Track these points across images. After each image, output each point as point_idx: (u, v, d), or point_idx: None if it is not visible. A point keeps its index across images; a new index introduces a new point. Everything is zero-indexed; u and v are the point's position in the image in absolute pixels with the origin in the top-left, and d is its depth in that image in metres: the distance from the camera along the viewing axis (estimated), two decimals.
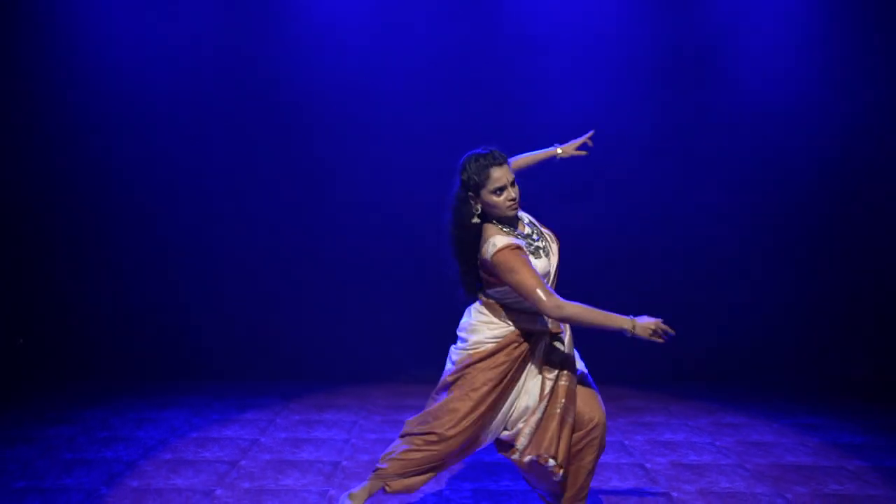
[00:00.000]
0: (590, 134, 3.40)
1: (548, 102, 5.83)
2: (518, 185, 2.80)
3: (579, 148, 3.37)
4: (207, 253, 5.89)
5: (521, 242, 2.74)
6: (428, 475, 2.87)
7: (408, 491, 2.88)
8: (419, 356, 5.75)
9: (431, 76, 5.82)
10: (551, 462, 2.68)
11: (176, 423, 4.66)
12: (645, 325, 2.57)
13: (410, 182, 5.78)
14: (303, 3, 5.74)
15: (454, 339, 2.98)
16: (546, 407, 2.74)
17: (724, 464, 4.01)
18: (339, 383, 5.66)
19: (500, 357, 2.77)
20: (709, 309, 5.92)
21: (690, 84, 5.87)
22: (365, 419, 4.81)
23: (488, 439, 2.87)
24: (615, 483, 3.70)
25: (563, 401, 2.74)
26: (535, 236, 2.86)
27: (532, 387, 2.80)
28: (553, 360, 2.82)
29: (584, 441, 2.80)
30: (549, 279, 2.85)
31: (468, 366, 2.80)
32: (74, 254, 5.92)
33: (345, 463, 3.97)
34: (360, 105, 5.80)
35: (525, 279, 2.62)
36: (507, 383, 2.77)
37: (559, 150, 3.36)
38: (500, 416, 2.80)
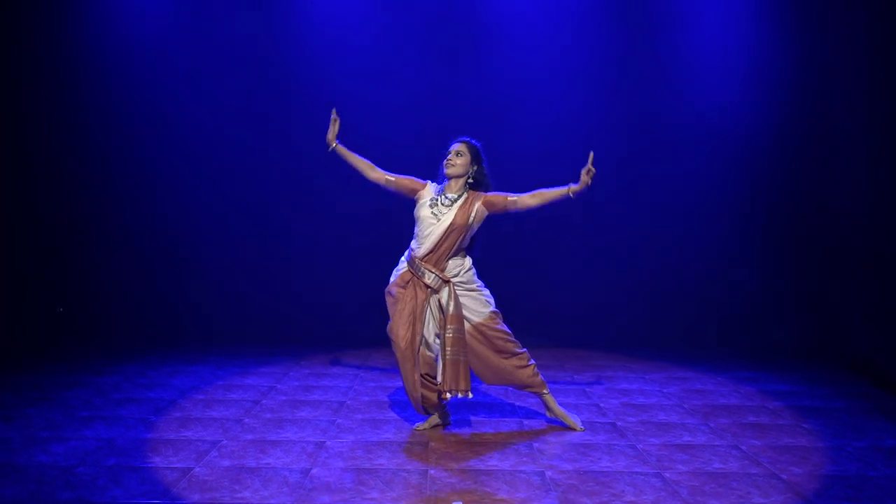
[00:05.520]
0: (591, 158, 3.75)
1: (527, 104, 6.69)
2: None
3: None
4: (228, 240, 6.81)
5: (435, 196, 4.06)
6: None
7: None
8: None
9: (410, 82, 6.71)
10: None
11: (203, 374, 5.45)
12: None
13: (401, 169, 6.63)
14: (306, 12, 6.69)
15: None
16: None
17: (666, 404, 4.80)
18: (343, 347, 6.47)
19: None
20: (675, 284, 6.75)
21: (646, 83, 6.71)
22: (366, 373, 5.59)
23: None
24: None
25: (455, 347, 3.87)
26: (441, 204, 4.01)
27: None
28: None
29: None
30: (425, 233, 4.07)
31: None
32: (122, 242, 6.83)
33: (348, 402, 4.75)
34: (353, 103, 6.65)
35: None
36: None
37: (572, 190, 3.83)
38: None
